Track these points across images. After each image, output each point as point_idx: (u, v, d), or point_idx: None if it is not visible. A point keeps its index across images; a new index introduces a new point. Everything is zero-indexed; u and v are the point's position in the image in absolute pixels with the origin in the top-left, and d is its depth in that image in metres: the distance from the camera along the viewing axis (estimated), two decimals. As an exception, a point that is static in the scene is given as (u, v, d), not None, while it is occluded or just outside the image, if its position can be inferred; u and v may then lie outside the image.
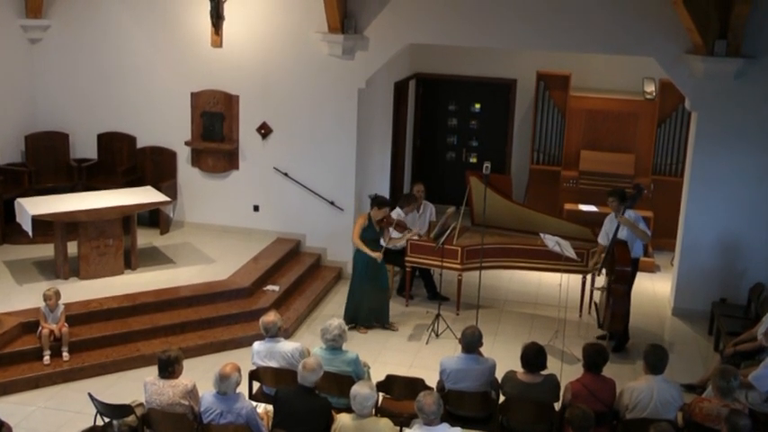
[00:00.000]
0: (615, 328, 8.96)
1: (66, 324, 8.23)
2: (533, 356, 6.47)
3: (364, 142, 11.18)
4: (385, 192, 12.54)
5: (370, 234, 9.32)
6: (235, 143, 11.18)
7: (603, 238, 9.25)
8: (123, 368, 8.33)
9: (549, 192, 12.86)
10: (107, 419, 6.43)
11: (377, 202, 9.34)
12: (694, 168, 10.03)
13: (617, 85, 13.16)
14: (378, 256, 9.25)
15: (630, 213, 8.96)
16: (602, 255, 9.17)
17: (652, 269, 11.70)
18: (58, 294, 8.23)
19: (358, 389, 5.77)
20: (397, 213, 9.92)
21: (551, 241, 9.08)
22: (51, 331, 8.12)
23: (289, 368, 6.72)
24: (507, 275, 11.21)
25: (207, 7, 10.71)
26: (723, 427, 5.59)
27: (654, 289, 11.13)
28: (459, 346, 6.86)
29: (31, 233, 9.23)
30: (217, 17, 10.74)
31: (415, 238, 9.77)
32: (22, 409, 7.53)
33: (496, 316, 10.12)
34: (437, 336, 9.42)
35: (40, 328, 8.13)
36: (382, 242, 9.46)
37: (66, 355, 8.19)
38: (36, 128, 11.48)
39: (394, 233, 9.55)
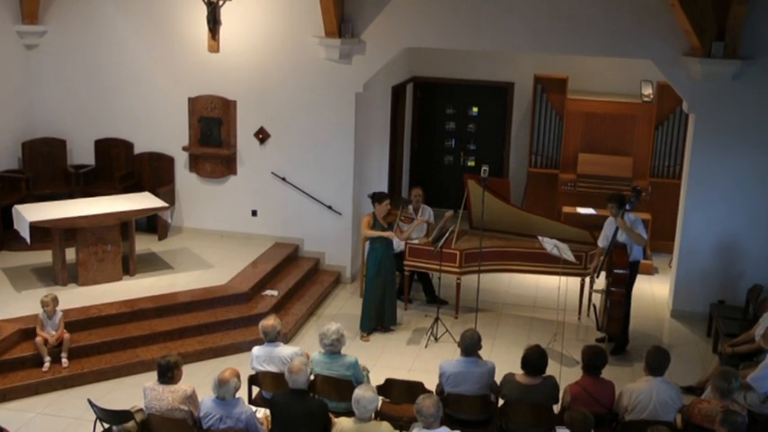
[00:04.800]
0: (613, 331, 8.97)
1: (65, 330, 8.23)
2: (536, 359, 6.45)
3: (362, 146, 11.18)
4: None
5: (378, 230, 9.32)
6: (232, 148, 11.18)
7: (603, 241, 9.24)
8: (122, 374, 8.33)
9: (547, 195, 12.86)
10: (107, 425, 6.43)
11: (376, 197, 9.37)
12: (692, 170, 10.04)
13: (614, 87, 13.17)
14: (390, 234, 9.26)
15: (629, 216, 8.96)
16: (601, 257, 9.17)
17: (650, 271, 11.70)
18: (55, 301, 8.22)
19: (362, 392, 5.77)
20: None
21: (549, 244, 9.08)
22: (46, 340, 8.11)
23: (288, 373, 6.73)
24: (506, 279, 11.22)
25: (203, 12, 10.71)
26: (721, 428, 5.58)
27: (652, 291, 11.14)
28: (459, 350, 6.85)
29: (28, 240, 9.24)
30: (213, 22, 10.73)
31: (424, 226, 9.89)
32: (21, 416, 7.52)
33: (495, 319, 10.12)
34: (436, 339, 9.41)
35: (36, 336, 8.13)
36: (396, 242, 9.47)
37: (65, 361, 8.18)
38: (33, 134, 11.47)
39: (404, 226, 9.57)
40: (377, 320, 9.54)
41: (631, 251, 8.98)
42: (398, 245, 9.93)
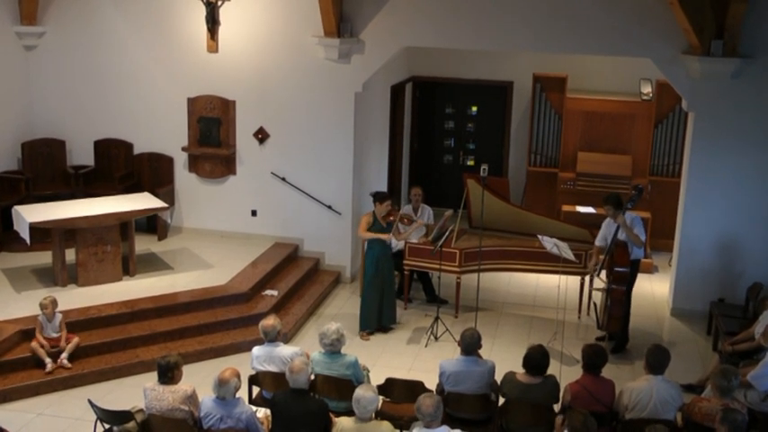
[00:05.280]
0: (613, 329, 8.96)
1: (72, 333, 8.24)
2: (539, 359, 6.44)
3: (361, 146, 11.18)
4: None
5: (376, 230, 9.32)
6: (232, 148, 11.17)
7: (601, 241, 9.24)
8: (123, 374, 8.32)
9: (547, 194, 12.87)
10: (107, 426, 6.43)
11: (378, 197, 9.39)
12: (691, 169, 10.04)
13: (613, 86, 13.17)
14: (387, 236, 9.28)
15: (629, 215, 8.95)
16: (600, 256, 9.16)
17: (650, 270, 11.70)
18: (54, 303, 8.22)
19: (362, 392, 5.77)
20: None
21: (549, 243, 9.08)
22: (41, 344, 8.10)
23: (288, 372, 6.73)
24: (506, 278, 11.22)
25: (202, 12, 10.71)
26: (721, 427, 5.58)
27: (652, 289, 11.14)
28: (459, 349, 6.85)
29: (28, 241, 9.25)
30: (212, 22, 10.74)
31: (423, 229, 9.94)
32: (22, 417, 7.52)
33: (495, 318, 10.12)
34: (436, 338, 9.41)
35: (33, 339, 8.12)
36: (394, 243, 9.49)
37: (66, 362, 8.17)
38: (33, 135, 11.47)
39: (402, 227, 9.57)
40: (377, 320, 9.54)
41: (632, 249, 8.98)
42: (397, 244, 9.93)
